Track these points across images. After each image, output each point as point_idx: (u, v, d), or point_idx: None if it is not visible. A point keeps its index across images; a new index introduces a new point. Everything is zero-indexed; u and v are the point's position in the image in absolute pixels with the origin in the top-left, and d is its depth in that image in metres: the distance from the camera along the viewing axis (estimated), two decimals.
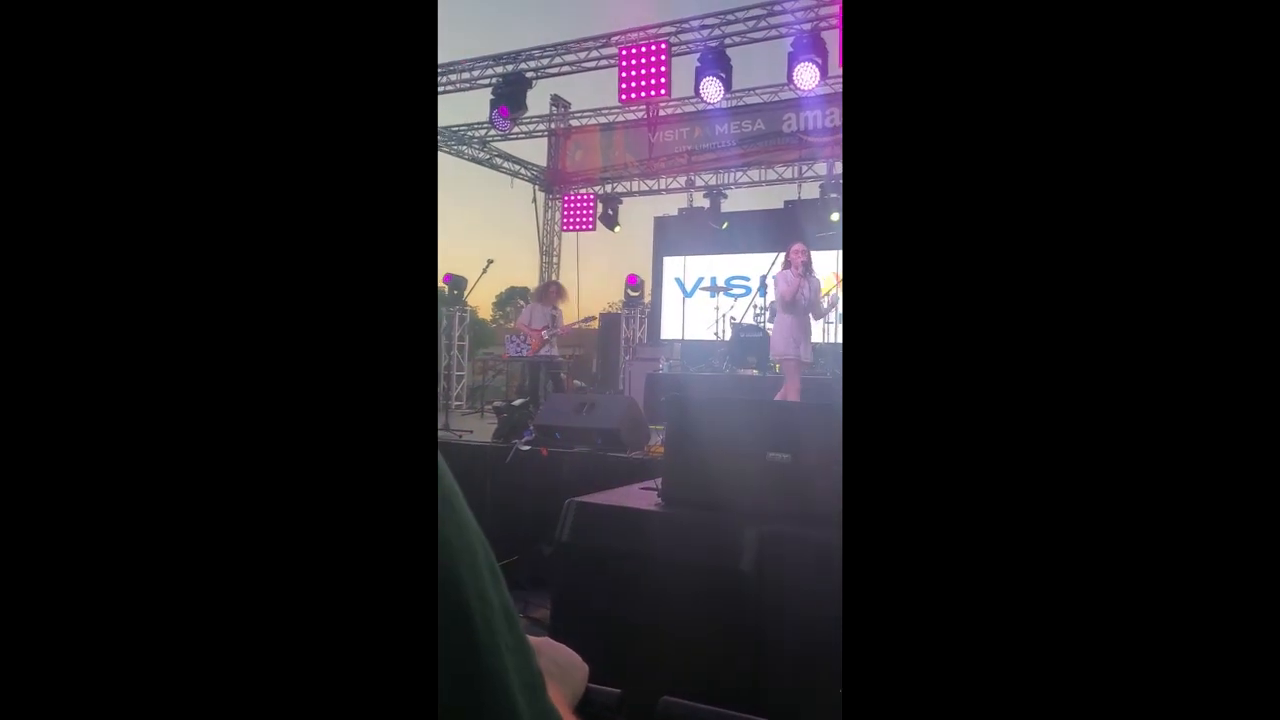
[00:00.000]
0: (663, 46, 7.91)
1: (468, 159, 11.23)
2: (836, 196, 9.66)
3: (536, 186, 12.06)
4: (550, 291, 7.18)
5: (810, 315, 5.55)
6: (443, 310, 9.87)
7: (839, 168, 9.94)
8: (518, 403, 5.30)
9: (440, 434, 5.17)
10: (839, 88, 9.26)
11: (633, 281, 11.34)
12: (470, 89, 9.08)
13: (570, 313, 7.30)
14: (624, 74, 8.00)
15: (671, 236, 10.89)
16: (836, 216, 9.20)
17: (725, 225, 10.12)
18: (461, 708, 0.43)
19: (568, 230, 12.00)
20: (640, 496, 2.26)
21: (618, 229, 11.36)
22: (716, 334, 8.27)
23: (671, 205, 11.44)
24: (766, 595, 1.78)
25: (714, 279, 10.01)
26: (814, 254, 5.62)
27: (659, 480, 2.26)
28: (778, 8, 7.75)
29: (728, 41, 7.94)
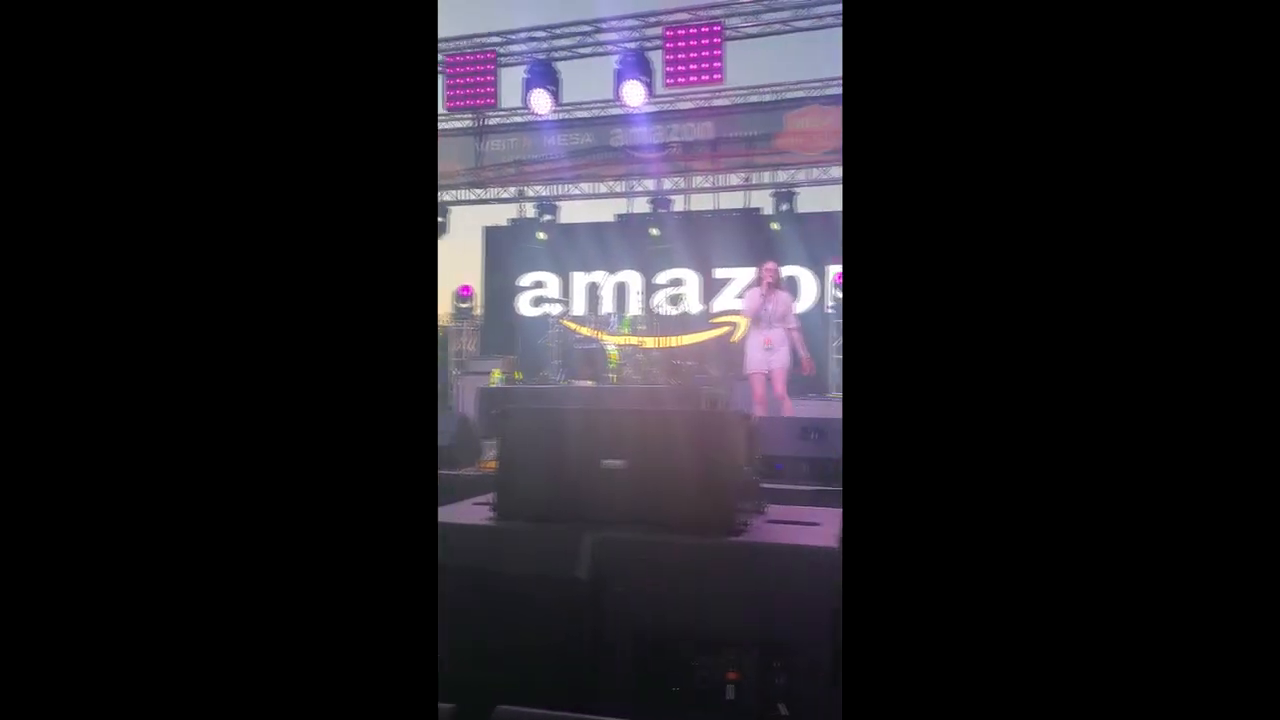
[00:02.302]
0: (490, 55, 7.83)
1: None
2: (664, 212, 9.98)
3: None
4: None
5: (783, 327, 5.78)
6: None
7: (668, 184, 10.28)
8: None
9: None
10: (666, 106, 9.59)
11: (466, 293, 11.06)
12: None
13: None
14: (451, 81, 7.83)
15: (502, 247, 10.76)
16: (656, 231, 9.52)
17: (542, 236, 10.13)
18: None
19: None
20: (472, 512, 2.20)
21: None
22: (550, 346, 8.26)
23: (501, 215, 11.31)
24: (603, 601, 1.80)
25: (547, 290, 10.00)
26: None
27: (492, 495, 2.22)
28: (604, 25, 7.91)
29: (555, 55, 8.00)
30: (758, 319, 5.73)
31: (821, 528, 1.92)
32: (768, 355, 5.67)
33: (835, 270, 8.55)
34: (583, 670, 1.78)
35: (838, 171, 9.37)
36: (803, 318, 6.16)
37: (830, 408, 5.80)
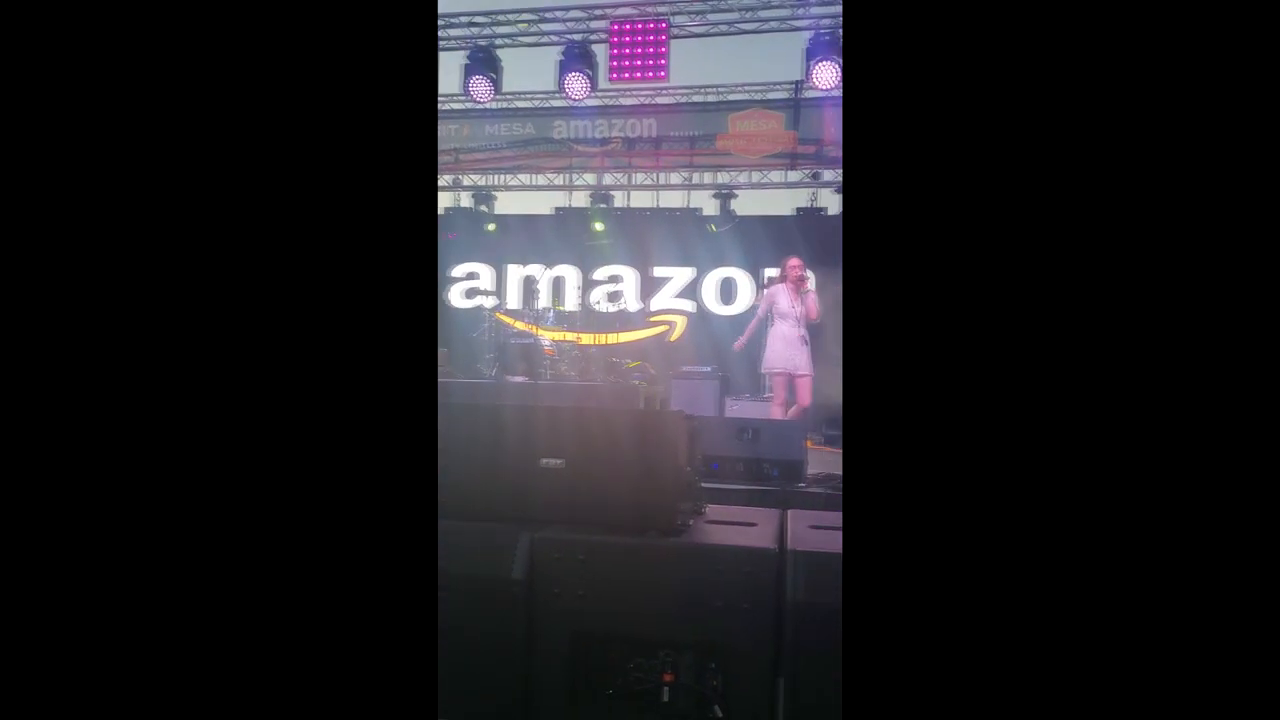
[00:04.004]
0: None
1: None
2: (604, 206, 9.93)
3: None
4: None
5: (800, 328, 5.57)
6: None
7: (608, 179, 10.24)
8: None
9: None
10: (609, 100, 9.54)
11: None
12: None
13: None
14: None
15: (439, 237, 10.54)
16: (600, 226, 9.47)
17: (492, 228, 9.98)
18: None
19: None
20: None
21: None
22: (484, 340, 8.12)
23: (438, 204, 11.06)
24: (537, 601, 1.76)
25: (480, 282, 9.84)
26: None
27: None
28: (549, 15, 7.82)
29: (497, 42, 7.86)
30: (784, 316, 5.54)
31: (759, 528, 1.93)
32: (792, 354, 5.45)
33: (769, 273, 8.68)
34: (517, 672, 1.74)
35: (777, 175, 9.51)
36: (738, 319, 6.18)
37: (764, 408, 5.85)
